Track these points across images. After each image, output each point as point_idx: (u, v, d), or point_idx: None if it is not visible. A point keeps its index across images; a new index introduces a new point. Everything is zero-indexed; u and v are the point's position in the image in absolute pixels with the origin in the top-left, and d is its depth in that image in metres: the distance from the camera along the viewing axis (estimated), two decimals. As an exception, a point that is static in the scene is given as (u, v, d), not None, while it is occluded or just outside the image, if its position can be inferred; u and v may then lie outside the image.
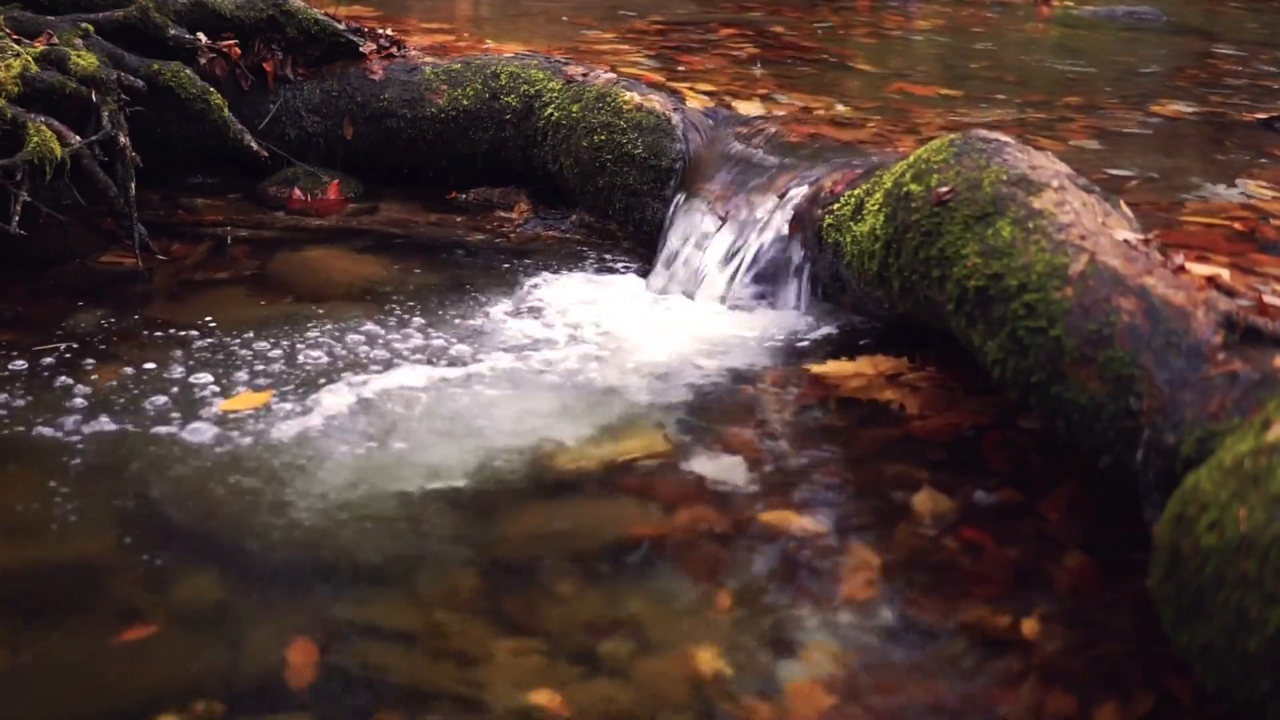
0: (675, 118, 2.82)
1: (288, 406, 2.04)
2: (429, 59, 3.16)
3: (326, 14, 3.17)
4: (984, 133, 2.08)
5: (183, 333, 2.31)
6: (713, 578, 1.64)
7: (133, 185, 2.68)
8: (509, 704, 1.39)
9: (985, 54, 4.32)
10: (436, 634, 1.52)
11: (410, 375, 2.18)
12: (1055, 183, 1.90)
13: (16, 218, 2.42)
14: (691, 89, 3.07)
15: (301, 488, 1.80)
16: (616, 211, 2.86)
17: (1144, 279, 1.64)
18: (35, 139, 2.48)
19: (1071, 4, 5.83)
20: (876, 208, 2.14)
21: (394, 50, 3.18)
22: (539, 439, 1.98)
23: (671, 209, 2.71)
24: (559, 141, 2.95)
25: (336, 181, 3.12)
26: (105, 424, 1.96)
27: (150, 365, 2.17)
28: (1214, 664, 1.22)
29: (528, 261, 2.78)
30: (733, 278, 2.51)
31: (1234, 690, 1.19)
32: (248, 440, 1.93)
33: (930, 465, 1.90)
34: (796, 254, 2.46)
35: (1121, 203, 1.97)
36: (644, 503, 1.82)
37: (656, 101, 2.85)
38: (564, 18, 4.41)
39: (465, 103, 3.06)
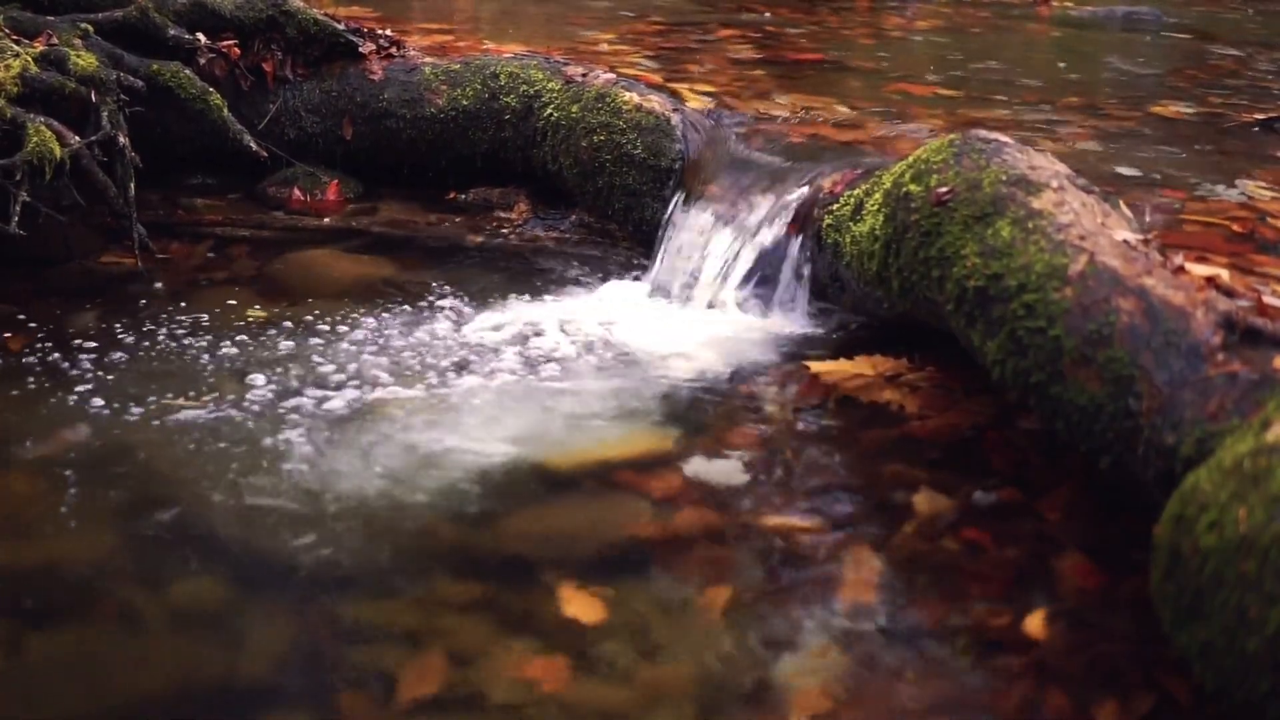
0: (674, 118, 2.82)
1: (288, 405, 2.04)
2: (428, 59, 3.16)
3: (326, 14, 3.16)
4: (983, 133, 2.08)
5: (182, 333, 2.32)
6: (712, 578, 1.64)
7: (132, 185, 2.68)
8: (508, 704, 1.40)
9: (984, 54, 4.32)
10: (436, 633, 1.52)
11: (409, 375, 2.18)
12: (1054, 183, 1.90)
13: (16, 218, 2.41)
14: (691, 89, 3.08)
15: (305, 490, 1.81)
16: (616, 212, 2.86)
17: (1143, 279, 1.64)
18: (35, 139, 2.48)
19: (1070, 4, 5.83)
20: (876, 208, 2.14)
21: (393, 50, 3.18)
22: (537, 439, 1.98)
23: (671, 209, 2.71)
24: (558, 142, 2.95)
25: (336, 182, 3.12)
26: (103, 421, 1.97)
27: (149, 365, 2.17)
28: (1214, 664, 1.22)
29: (527, 262, 2.78)
30: (732, 278, 2.51)
31: (1233, 690, 1.19)
32: (244, 439, 1.93)
33: (930, 465, 1.90)
34: (796, 254, 2.45)
35: (1121, 203, 1.97)
36: (643, 503, 1.82)
37: (656, 102, 2.85)
38: (564, 18, 4.41)
39: (465, 103, 3.06)
